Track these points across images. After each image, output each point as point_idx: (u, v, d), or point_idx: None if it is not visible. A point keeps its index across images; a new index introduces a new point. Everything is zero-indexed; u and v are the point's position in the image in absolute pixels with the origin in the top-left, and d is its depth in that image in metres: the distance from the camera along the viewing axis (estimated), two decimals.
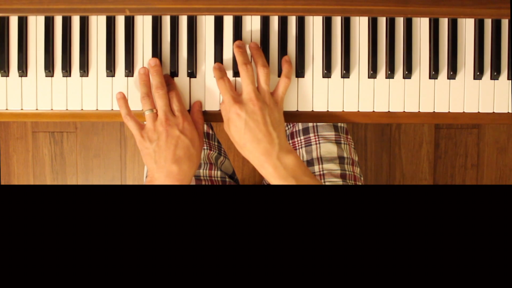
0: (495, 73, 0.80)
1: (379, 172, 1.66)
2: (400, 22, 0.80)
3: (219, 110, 0.79)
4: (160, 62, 0.78)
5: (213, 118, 0.80)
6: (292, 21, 0.79)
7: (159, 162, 0.74)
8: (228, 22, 0.79)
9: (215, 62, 0.79)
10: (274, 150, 0.72)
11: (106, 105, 0.79)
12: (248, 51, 0.78)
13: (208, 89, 0.79)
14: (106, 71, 0.78)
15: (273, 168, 0.72)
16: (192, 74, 0.79)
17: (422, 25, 0.80)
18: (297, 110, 0.80)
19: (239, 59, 0.76)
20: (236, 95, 0.75)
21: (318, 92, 0.80)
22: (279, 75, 0.79)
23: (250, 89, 0.74)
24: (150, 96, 0.76)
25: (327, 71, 0.79)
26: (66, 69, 0.78)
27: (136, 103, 0.79)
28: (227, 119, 0.75)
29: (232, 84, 0.77)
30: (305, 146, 1.00)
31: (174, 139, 0.73)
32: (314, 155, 0.99)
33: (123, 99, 0.77)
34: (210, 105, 0.79)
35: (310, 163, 0.98)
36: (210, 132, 1.04)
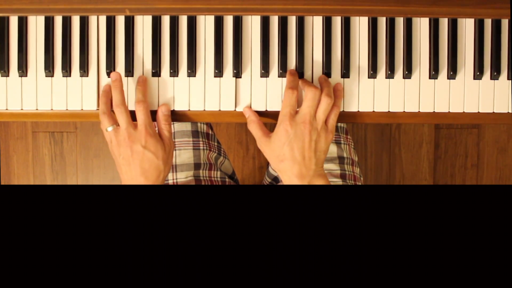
0: (495, 73, 0.80)
1: (379, 172, 1.66)
2: (400, 22, 0.80)
3: (219, 110, 0.79)
4: (159, 66, 0.78)
5: (214, 118, 0.80)
6: (292, 21, 0.79)
7: (128, 174, 0.76)
8: (228, 22, 0.79)
9: (215, 62, 0.79)
10: (308, 175, 0.74)
11: None
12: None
13: (208, 89, 0.79)
14: (106, 71, 0.78)
15: None
16: (192, 74, 0.79)
17: (422, 25, 0.80)
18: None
19: (292, 84, 0.75)
20: (294, 112, 0.74)
21: None
22: (279, 76, 0.79)
23: (308, 112, 0.73)
24: (107, 113, 0.76)
25: (327, 71, 0.79)
26: (66, 69, 0.78)
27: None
28: (259, 136, 0.76)
29: (297, 100, 0.75)
30: None
31: (139, 155, 0.74)
32: None
33: (107, 92, 0.77)
34: (210, 105, 0.79)
35: None
36: (210, 132, 1.04)
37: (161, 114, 0.78)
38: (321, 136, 0.74)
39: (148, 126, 0.75)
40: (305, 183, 0.74)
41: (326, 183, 0.75)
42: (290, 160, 0.73)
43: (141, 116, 0.75)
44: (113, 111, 0.76)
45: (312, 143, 0.73)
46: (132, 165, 0.75)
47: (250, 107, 0.79)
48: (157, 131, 0.79)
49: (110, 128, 0.75)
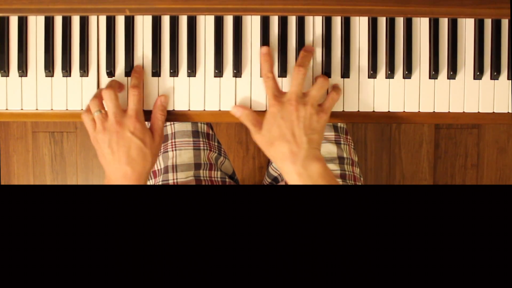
0: (495, 73, 0.80)
1: (379, 172, 1.66)
2: (400, 22, 0.80)
3: (219, 110, 0.79)
4: (159, 66, 0.78)
5: (214, 118, 0.80)
6: (292, 21, 0.79)
7: (113, 164, 0.73)
8: (228, 22, 0.79)
9: (215, 62, 0.79)
10: (300, 154, 0.71)
11: None
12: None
13: (208, 89, 0.79)
14: (106, 71, 0.78)
15: (298, 176, 0.71)
16: (192, 74, 0.79)
17: (422, 25, 0.80)
18: None
19: (298, 61, 0.76)
20: (278, 93, 0.75)
21: None
22: (279, 75, 0.79)
23: (293, 91, 0.73)
24: (98, 97, 0.74)
25: (327, 71, 0.79)
26: (66, 69, 0.78)
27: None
28: (253, 125, 0.75)
29: (276, 82, 0.76)
30: None
31: (126, 141, 0.72)
32: None
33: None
34: (210, 105, 0.79)
35: None
36: (210, 132, 1.04)
37: (159, 103, 0.77)
38: (312, 114, 0.72)
39: (139, 114, 0.74)
40: (298, 165, 0.70)
41: (323, 167, 0.71)
42: (279, 140, 0.71)
43: (133, 101, 0.74)
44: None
45: (300, 119, 0.71)
46: (118, 152, 0.72)
47: (236, 104, 0.79)
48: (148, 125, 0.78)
49: (97, 113, 0.73)
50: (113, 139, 0.72)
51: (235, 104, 0.79)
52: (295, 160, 0.71)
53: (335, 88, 0.78)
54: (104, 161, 0.74)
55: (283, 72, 0.78)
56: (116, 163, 0.73)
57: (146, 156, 0.74)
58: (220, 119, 0.79)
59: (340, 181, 0.96)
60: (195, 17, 0.79)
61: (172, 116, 0.79)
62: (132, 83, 0.76)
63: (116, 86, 0.76)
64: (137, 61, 0.79)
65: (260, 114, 0.77)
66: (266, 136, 0.73)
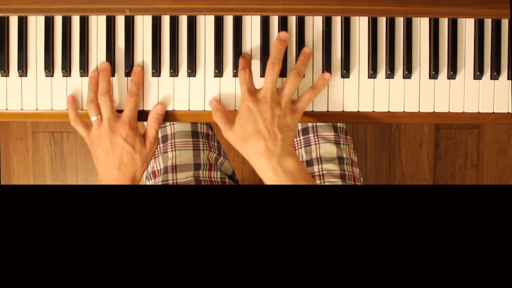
0: (495, 73, 0.80)
1: (379, 172, 1.66)
2: (400, 22, 0.80)
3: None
4: (159, 66, 0.78)
5: (206, 118, 0.80)
6: (292, 21, 0.79)
7: (105, 167, 0.76)
8: (228, 22, 0.79)
9: (215, 62, 0.79)
10: (275, 151, 0.71)
11: None
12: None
13: (208, 89, 0.79)
14: None
15: (273, 172, 0.72)
16: (192, 74, 0.79)
17: (422, 25, 0.80)
18: None
19: (272, 55, 0.75)
20: (253, 89, 0.75)
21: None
22: (279, 75, 0.79)
23: (268, 87, 0.73)
24: (95, 101, 0.76)
25: (327, 71, 0.79)
26: (66, 69, 0.78)
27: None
28: (224, 122, 0.75)
29: (252, 78, 0.76)
30: (305, 146, 1.00)
31: (118, 146, 0.75)
32: (314, 155, 0.99)
33: (72, 102, 0.78)
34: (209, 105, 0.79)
35: (309, 163, 0.98)
36: (210, 132, 1.04)
37: (155, 112, 0.78)
38: (286, 113, 0.73)
39: (132, 120, 0.76)
40: (274, 162, 0.71)
41: (297, 162, 0.72)
42: (255, 136, 0.72)
43: (129, 108, 0.76)
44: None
45: (275, 117, 0.72)
46: (111, 157, 0.75)
47: (215, 99, 0.79)
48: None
49: (94, 118, 0.76)
50: (107, 144, 0.75)
51: (235, 104, 0.79)
52: (271, 156, 0.71)
53: (313, 87, 0.77)
54: (97, 163, 0.77)
55: (284, 72, 0.78)
56: (108, 166, 0.76)
57: (135, 161, 0.76)
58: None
59: (340, 181, 0.96)
60: (195, 17, 0.79)
61: (172, 116, 0.79)
62: (130, 89, 0.77)
63: (109, 91, 0.77)
64: (137, 61, 0.79)
65: (232, 113, 0.77)
66: (239, 132, 0.73)
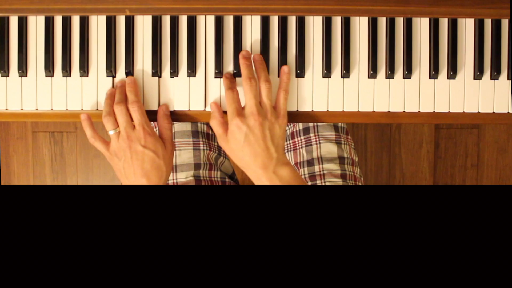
0: (495, 73, 0.80)
1: (379, 172, 1.66)
2: (400, 22, 0.80)
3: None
4: (160, 66, 0.78)
5: (206, 118, 0.80)
6: (292, 21, 0.79)
7: (129, 177, 0.75)
8: (228, 22, 0.79)
9: (215, 62, 0.79)
10: (271, 164, 0.74)
11: None
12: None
13: (209, 89, 0.79)
14: (106, 71, 0.78)
15: (269, 181, 0.74)
16: (192, 74, 0.79)
17: (422, 25, 0.80)
18: (297, 110, 0.80)
19: (244, 73, 0.76)
20: (240, 108, 0.75)
21: (318, 92, 0.80)
22: (278, 76, 0.79)
23: (253, 103, 0.74)
24: (111, 114, 0.75)
25: (327, 71, 0.79)
26: (66, 69, 0.78)
27: None
28: (220, 133, 0.76)
29: (239, 97, 0.76)
30: (306, 146, 1.00)
31: (139, 155, 0.74)
32: (315, 155, 0.99)
33: (87, 120, 0.77)
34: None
35: (310, 163, 0.98)
36: (210, 132, 1.04)
37: (162, 114, 0.78)
38: (274, 123, 0.74)
39: (146, 125, 0.75)
40: (270, 172, 0.73)
41: (292, 171, 0.75)
42: (251, 155, 0.73)
43: (137, 116, 0.75)
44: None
45: (266, 132, 0.73)
46: (133, 167, 0.74)
47: (216, 103, 0.79)
48: (157, 131, 0.78)
49: (112, 132, 0.75)
50: (127, 155, 0.74)
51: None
52: (266, 168, 0.74)
53: (280, 86, 0.77)
54: (121, 175, 0.76)
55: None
56: (132, 176, 0.75)
57: (160, 167, 0.75)
58: None
59: (340, 181, 0.96)
60: (195, 17, 0.79)
61: (172, 116, 0.79)
62: (129, 99, 0.76)
63: (124, 99, 0.76)
64: (137, 61, 0.79)
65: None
66: (235, 151, 0.75)
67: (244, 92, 0.75)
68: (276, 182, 0.74)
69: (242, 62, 0.77)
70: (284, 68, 0.78)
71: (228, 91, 0.76)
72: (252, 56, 0.78)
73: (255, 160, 0.73)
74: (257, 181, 0.75)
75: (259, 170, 0.74)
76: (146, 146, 0.74)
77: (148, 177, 0.75)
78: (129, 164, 0.74)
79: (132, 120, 0.75)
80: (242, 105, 0.76)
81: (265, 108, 0.75)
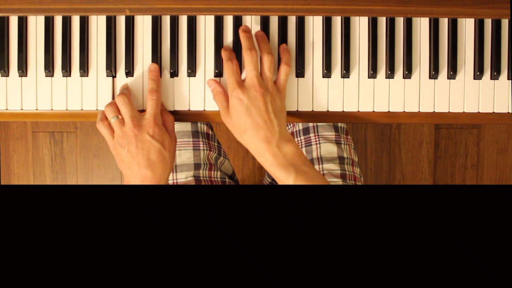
0: (495, 73, 0.80)
1: (379, 172, 1.66)
2: (400, 22, 0.80)
3: (219, 110, 0.79)
4: (160, 66, 0.78)
5: (214, 118, 0.80)
6: (292, 21, 0.79)
7: (132, 168, 0.73)
8: (228, 22, 0.79)
9: (215, 62, 0.79)
10: (274, 138, 0.71)
11: None
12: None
13: (208, 89, 0.79)
14: (106, 71, 0.78)
15: (273, 156, 0.71)
16: (192, 74, 0.79)
17: (422, 25, 0.80)
18: (297, 110, 0.80)
19: (244, 44, 0.75)
20: (241, 80, 0.74)
21: (318, 92, 0.80)
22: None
23: (253, 75, 0.73)
24: (113, 104, 0.75)
25: (327, 71, 0.79)
26: (66, 69, 0.78)
27: (136, 103, 0.78)
28: (224, 107, 0.75)
29: (239, 68, 0.75)
30: (305, 146, 1.01)
31: (146, 144, 0.72)
32: (314, 155, 0.99)
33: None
34: (211, 105, 0.79)
35: None
36: (210, 132, 1.04)
37: (164, 108, 0.78)
38: (275, 96, 0.73)
39: (157, 117, 0.74)
40: (273, 147, 0.71)
41: (295, 147, 0.72)
42: (253, 128, 0.71)
43: (152, 106, 0.74)
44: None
45: (268, 105, 0.72)
46: (138, 156, 0.72)
47: (214, 79, 0.78)
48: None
49: (113, 119, 0.73)
50: (132, 143, 0.72)
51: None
52: (270, 142, 0.71)
53: (283, 60, 0.76)
54: (123, 165, 0.74)
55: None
56: (136, 167, 0.72)
57: (165, 159, 0.74)
58: (220, 119, 0.79)
59: (340, 181, 0.96)
60: (195, 17, 0.79)
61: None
62: (150, 87, 0.76)
63: (128, 93, 0.76)
64: (137, 61, 0.79)
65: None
66: (236, 123, 0.73)
67: (245, 63, 0.74)
68: (280, 158, 0.71)
69: (242, 34, 0.76)
70: (283, 46, 0.77)
71: (227, 63, 0.75)
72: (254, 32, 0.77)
73: (257, 133, 0.71)
74: (259, 157, 0.73)
75: (261, 144, 0.71)
76: (153, 137, 0.72)
77: (153, 169, 0.72)
78: (133, 154, 0.72)
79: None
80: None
81: (266, 80, 0.73)
